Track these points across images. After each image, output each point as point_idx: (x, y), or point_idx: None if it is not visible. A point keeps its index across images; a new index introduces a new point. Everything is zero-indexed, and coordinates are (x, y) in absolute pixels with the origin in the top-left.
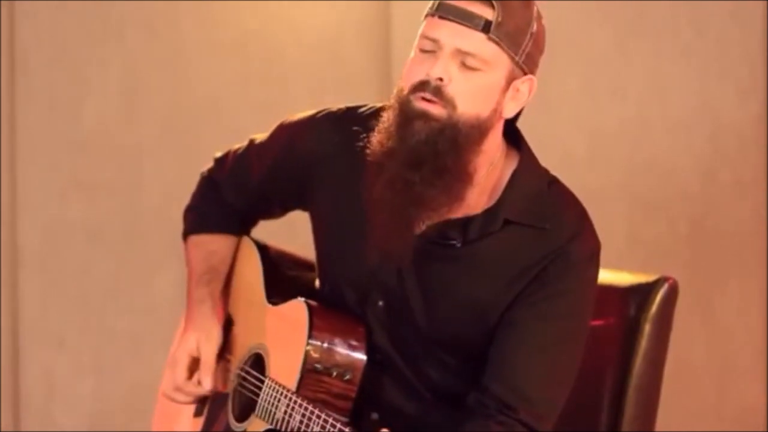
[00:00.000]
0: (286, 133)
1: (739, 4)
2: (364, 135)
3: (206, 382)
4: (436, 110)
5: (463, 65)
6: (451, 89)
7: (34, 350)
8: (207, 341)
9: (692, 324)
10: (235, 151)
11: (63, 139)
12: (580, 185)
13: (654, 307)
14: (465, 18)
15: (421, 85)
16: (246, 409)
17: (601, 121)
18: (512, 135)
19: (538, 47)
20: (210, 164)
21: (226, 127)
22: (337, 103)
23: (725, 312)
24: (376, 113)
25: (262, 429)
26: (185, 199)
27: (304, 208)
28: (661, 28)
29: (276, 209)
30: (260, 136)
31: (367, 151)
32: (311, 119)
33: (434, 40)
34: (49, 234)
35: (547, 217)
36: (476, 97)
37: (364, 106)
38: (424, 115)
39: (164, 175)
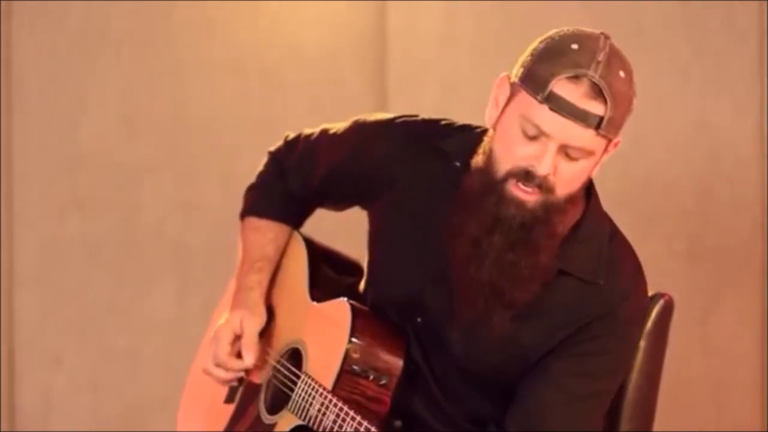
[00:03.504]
0: (360, 131)
1: (736, 21)
2: (437, 153)
3: (248, 358)
4: (533, 200)
5: (567, 156)
6: (553, 179)
7: (32, 367)
8: (251, 318)
9: (689, 340)
10: (307, 137)
11: (60, 157)
12: None
13: (649, 324)
14: (579, 117)
15: (526, 175)
16: (278, 402)
17: None
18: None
19: (631, 114)
20: (278, 143)
21: (224, 145)
22: (333, 119)
23: (722, 328)
24: (453, 133)
25: (294, 424)
26: (183, 217)
27: (364, 207)
28: (658, 46)
29: (338, 202)
30: (333, 127)
31: (454, 182)
32: (389, 123)
33: (543, 132)
34: (46, 251)
35: (602, 274)
36: (575, 181)
37: (443, 120)
38: (521, 205)
39: (162, 192)
